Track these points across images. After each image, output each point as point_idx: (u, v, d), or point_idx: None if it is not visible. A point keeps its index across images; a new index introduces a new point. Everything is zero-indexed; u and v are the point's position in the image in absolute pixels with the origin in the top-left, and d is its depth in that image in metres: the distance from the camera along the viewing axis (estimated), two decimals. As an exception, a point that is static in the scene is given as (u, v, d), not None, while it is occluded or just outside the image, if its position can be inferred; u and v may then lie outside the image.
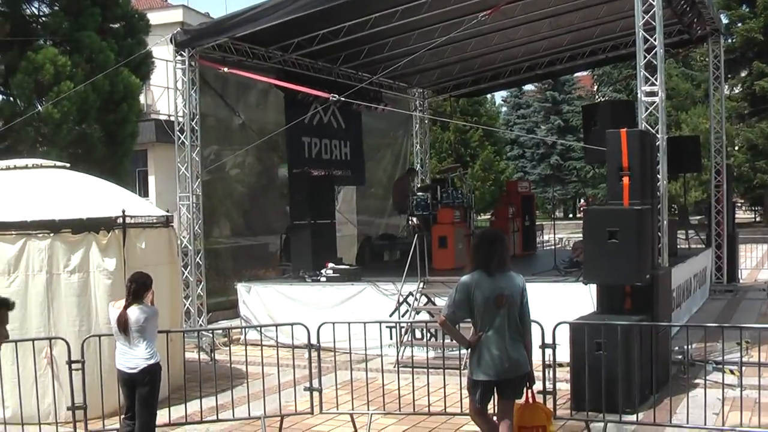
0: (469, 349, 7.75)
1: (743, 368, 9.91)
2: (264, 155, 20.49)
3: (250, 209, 19.98)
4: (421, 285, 15.21)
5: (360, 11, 16.96)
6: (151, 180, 28.68)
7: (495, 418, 7.94)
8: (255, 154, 20.05)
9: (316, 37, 18.13)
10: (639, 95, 12.97)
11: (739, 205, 50.92)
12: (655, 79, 12.81)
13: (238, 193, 19.78)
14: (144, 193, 27.62)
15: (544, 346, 9.34)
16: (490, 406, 7.94)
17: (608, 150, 11.78)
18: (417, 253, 15.03)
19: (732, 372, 11.41)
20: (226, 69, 17.01)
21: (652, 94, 12.85)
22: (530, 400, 8.08)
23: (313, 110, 20.24)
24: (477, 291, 7.51)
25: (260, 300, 16.69)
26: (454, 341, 8.59)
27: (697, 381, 11.39)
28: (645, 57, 12.81)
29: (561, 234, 33.54)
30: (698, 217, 33.42)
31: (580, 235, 14.13)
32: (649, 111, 12.89)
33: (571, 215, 69.09)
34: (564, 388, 10.84)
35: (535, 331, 8.26)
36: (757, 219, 55.85)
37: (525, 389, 7.90)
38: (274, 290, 16.72)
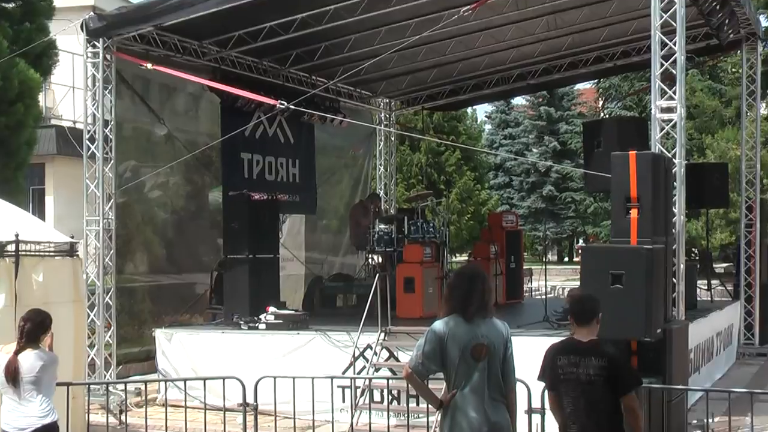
0: (441, 411, 7.80)
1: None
2: (194, 174, 20.58)
3: (174, 240, 20.06)
4: (382, 336, 15.29)
5: (317, 1, 17.07)
6: (49, 201, 28.55)
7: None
8: (182, 173, 20.13)
9: (262, 30, 18.14)
10: (653, 111, 13.11)
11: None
12: (674, 93, 12.97)
13: (160, 220, 19.83)
14: (40, 216, 27.42)
15: (530, 410, 9.43)
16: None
17: (613, 176, 11.93)
18: (378, 297, 15.12)
19: (761, 451, 11.57)
20: (150, 65, 17.04)
21: (669, 110, 13.00)
22: (513, 475, 8.14)
23: (255, 120, 20.33)
24: (451, 339, 7.52)
25: (184, 350, 16.68)
26: (421, 402, 8.64)
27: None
28: (662, 65, 12.98)
29: (553, 281, 33.65)
30: (724, 265, 33.73)
31: (578, 282, 14.23)
32: (664, 131, 13.04)
33: (566, 259, 69.22)
34: (555, 464, 10.92)
35: (520, 392, 8.36)
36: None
37: (507, 461, 7.97)
38: (201, 339, 16.75)
